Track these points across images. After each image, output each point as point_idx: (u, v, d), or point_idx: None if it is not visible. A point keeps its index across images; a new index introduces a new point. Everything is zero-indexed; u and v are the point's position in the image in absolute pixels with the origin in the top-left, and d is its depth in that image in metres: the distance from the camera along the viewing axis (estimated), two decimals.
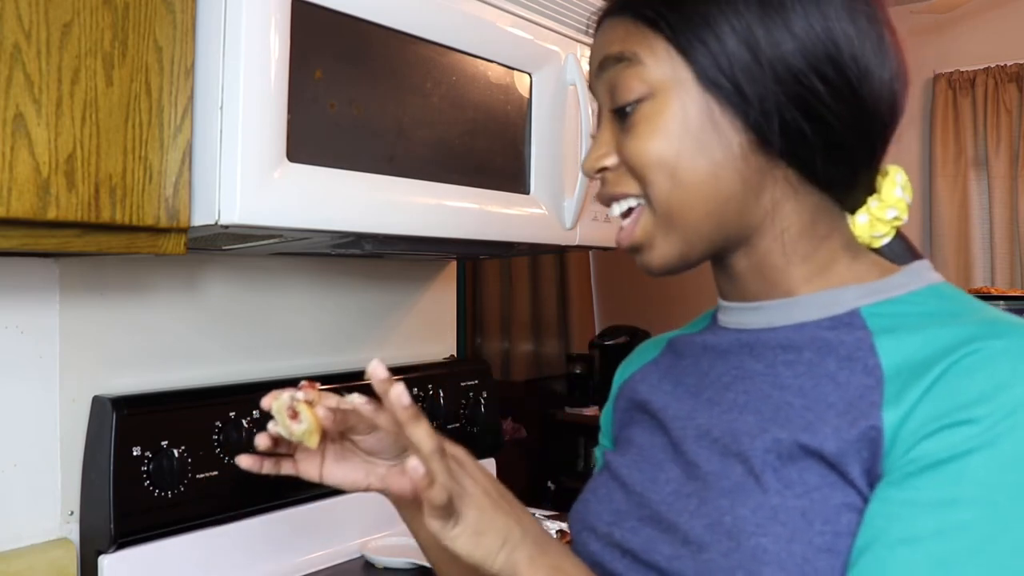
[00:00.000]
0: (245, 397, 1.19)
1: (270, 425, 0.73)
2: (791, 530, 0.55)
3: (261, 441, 0.74)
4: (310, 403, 0.72)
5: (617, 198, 0.66)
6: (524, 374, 3.80)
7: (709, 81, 0.60)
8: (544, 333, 3.85)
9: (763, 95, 0.59)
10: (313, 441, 0.72)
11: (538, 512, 1.47)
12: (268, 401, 0.71)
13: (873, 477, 0.55)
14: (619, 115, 0.65)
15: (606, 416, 0.82)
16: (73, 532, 1.08)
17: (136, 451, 1.06)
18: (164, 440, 1.09)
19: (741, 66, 0.59)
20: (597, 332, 3.78)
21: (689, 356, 0.72)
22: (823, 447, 0.56)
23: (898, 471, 0.53)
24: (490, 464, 1.63)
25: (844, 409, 0.57)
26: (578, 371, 3.44)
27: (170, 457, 1.08)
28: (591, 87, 0.70)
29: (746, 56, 0.59)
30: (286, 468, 0.77)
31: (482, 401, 1.56)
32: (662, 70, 0.62)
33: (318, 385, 0.73)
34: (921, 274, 0.64)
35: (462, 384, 1.55)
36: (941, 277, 0.64)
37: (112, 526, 1.03)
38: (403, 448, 0.77)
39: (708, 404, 0.66)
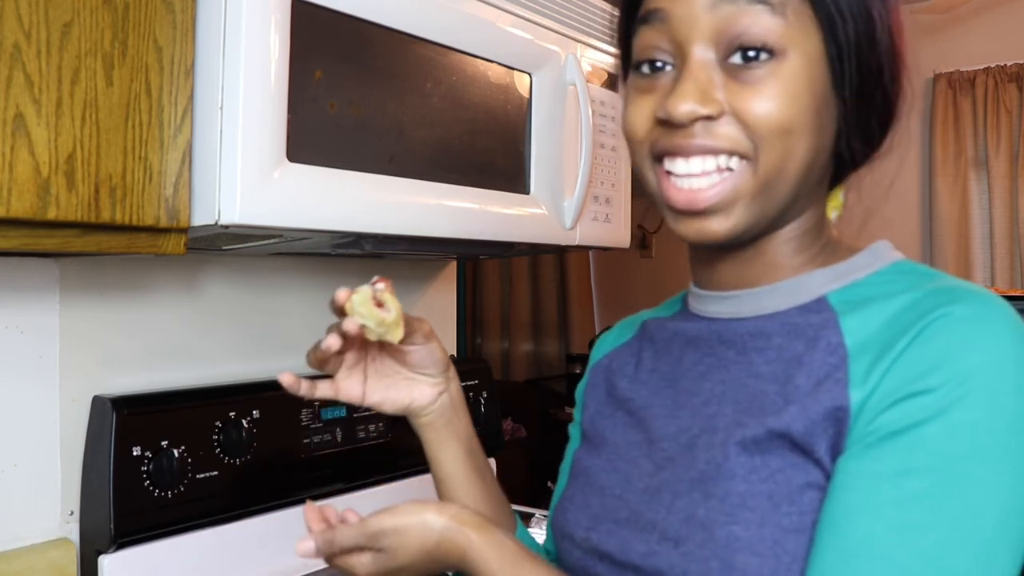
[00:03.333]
0: (245, 397, 1.19)
1: (346, 323, 0.69)
2: (760, 515, 0.56)
3: (333, 342, 0.70)
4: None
5: (714, 152, 0.58)
6: (524, 374, 3.80)
7: (834, 59, 0.58)
8: (544, 333, 3.85)
9: (879, 87, 0.59)
10: (399, 333, 0.70)
11: (538, 512, 1.46)
12: (343, 296, 0.70)
13: (836, 452, 0.55)
14: (730, 61, 0.58)
15: (579, 392, 0.83)
16: (73, 532, 1.08)
17: (136, 451, 1.06)
18: (164, 440, 1.09)
19: (862, 52, 0.58)
20: (597, 332, 3.78)
21: (660, 341, 0.72)
22: (791, 428, 0.57)
23: (858, 443, 0.54)
24: (490, 464, 1.63)
25: (810, 389, 0.57)
26: (578, 371, 3.44)
27: (170, 457, 1.08)
28: (682, 13, 0.59)
29: (868, 43, 0.59)
30: (322, 390, 0.76)
31: (482, 401, 1.56)
32: (803, 33, 0.57)
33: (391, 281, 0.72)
34: (883, 253, 0.65)
35: (462, 384, 1.54)
36: (902, 255, 0.65)
37: (112, 526, 1.03)
38: (447, 364, 0.80)
39: (687, 395, 0.66)
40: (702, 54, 0.58)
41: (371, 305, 0.68)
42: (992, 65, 3.29)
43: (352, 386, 0.76)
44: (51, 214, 0.75)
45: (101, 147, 0.79)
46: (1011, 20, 3.29)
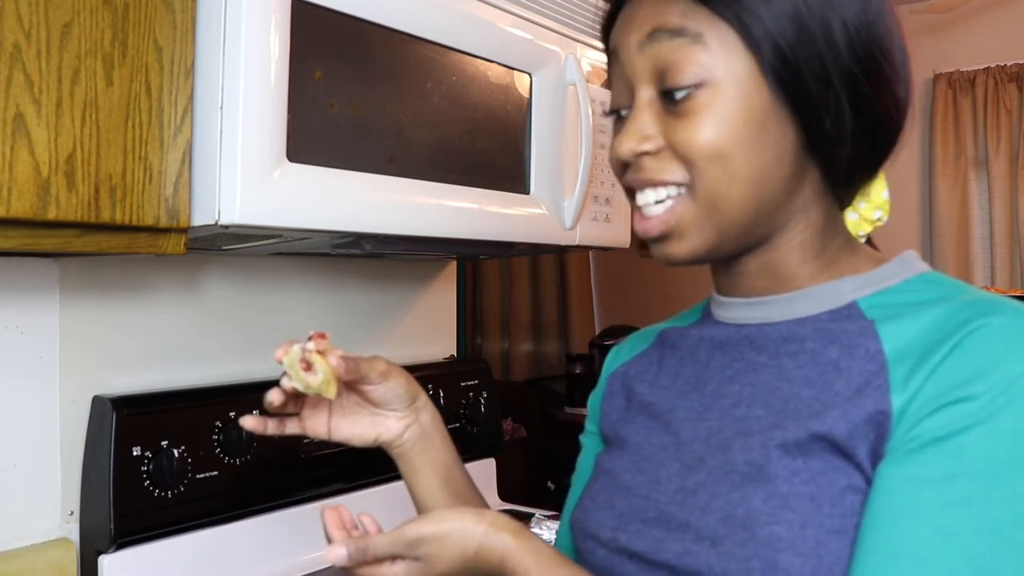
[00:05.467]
0: (245, 397, 1.19)
1: (283, 380, 0.72)
2: (803, 516, 0.56)
3: (275, 397, 0.74)
4: (322, 353, 0.70)
5: (657, 185, 0.62)
6: (524, 374, 3.80)
7: (775, 76, 0.59)
8: (544, 333, 3.85)
9: (832, 98, 0.59)
10: (332, 391, 0.71)
11: (538, 512, 1.46)
12: (280, 354, 0.71)
13: (876, 457, 0.56)
14: (666, 96, 0.61)
15: (594, 402, 0.83)
16: (73, 532, 1.08)
17: (136, 451, 1.06)
18: (164, 440, 1.09)
19: (808, 64, 0.58)
20: (597, 332, 3.78)
21: (684, 348, 0.72)
22: (833, 430, 0.57)
23: (900, 449, 0.54)
24: (490, 464, 1.63)
25: (851, 395, 0.58)
26: (578, 371, 3.44)
27: (170, 457, 1.08)
28: (620, 59, 0.64)
29: (814, 53, 0.58)
30: (291, 428, 0.78)
31: (482, 401, 1.56)
32: (728, 57, 0.59)
33: (328, 334, 0.72)
34: (911, 263, 0.65)
35: (462, 384, 1.54)
36: (929, 267, 0.66)
37: (112, 526, 1.03)
38: (413, 397, 0.80)
39: (714, 397, 0.66)
40: (644, 93, 0.63)
41: (298, 368, 0.70)
42: (992, 65, 3.29)
43: (317, 424, 0.78)
44: (51, 214, 0.75)
45: (101, 147, 0.79)
46: (1011, 20, 3.29)
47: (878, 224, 0.69)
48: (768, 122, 0.59)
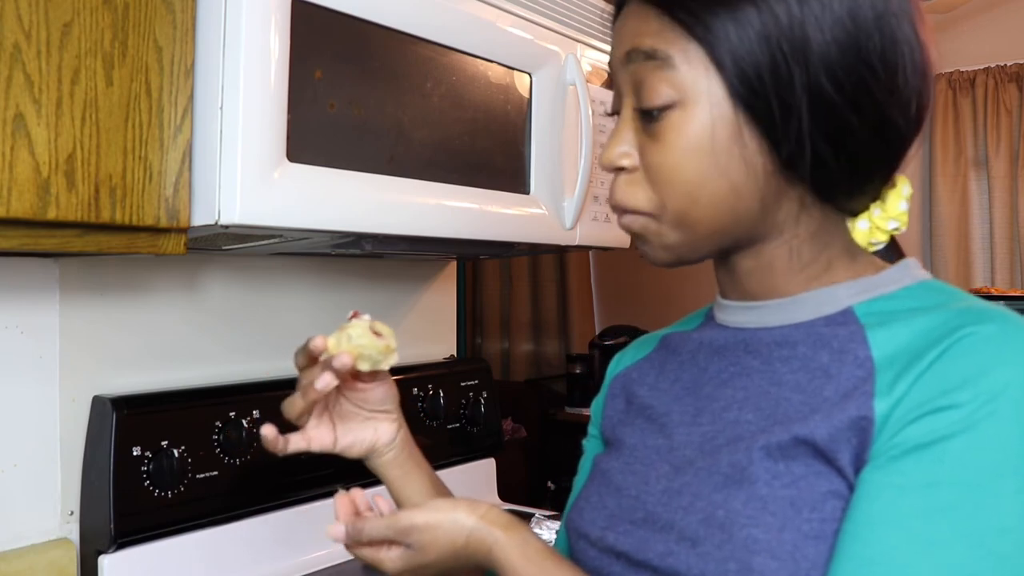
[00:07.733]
0: (245, 397, 1.19)
1: (339, 359, 0.71)
2: (781, 519, 0.56)
3: (328, 380, 0.73)
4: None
5: (629, 211, 0.64)
6: (524, 374, 3.80)
7: (742, 100, 0.58)
8: (544, 333, 3.85)
9: (797, 125, 0.57)
10: (393, 360, 0.73)
11: (538, 512, 1.46)
12: (322, 341, 0.72)
13: (860, 463, 0.55)
14: (643, 115, 0.62)
15: (597, 405, 0.83)
16: (73, 532, 1.08)
17: (136, 451, 1.06)
18: (164, 440, 1.09)
19: (776, 90, 0.57)
20: (597, 332, 3.78)
21: (685, 352, 0.72)
22: (815, 434, 0.57)
23: (883, 456, 0.54)
24: (490, 464, 1.63)
25: (837, 400, 0.58)
26: (578, 371, 3.44)
27: (170, 457, 1.08)
28: (612, 71, 0.66)
29: (784, 79, 0.57)
30: (295, 443, 0.79)
31: (482, 401, 1.56)
32: (695, 79, 0.59)
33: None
34: (910, 271, 0.65)
35: (462, 384, 1.55)
36: (930, 274, 0.65)
37: (112, 526, 1.03)
38: (397, 398, 0.82)
39: (707, 400, 0.67)
40: (627, 107, 0.64)
41: (371, 336, 0.71)
42: (992, 65, 3.29)
43: (323, 434, 0.80)
44: (51, 214, 0.75)
45: (101, 147, 0.79)
46: (1011, 20, 3.29)
47: (895, 234, 0.67)
48: (737, 144, 0.59)
